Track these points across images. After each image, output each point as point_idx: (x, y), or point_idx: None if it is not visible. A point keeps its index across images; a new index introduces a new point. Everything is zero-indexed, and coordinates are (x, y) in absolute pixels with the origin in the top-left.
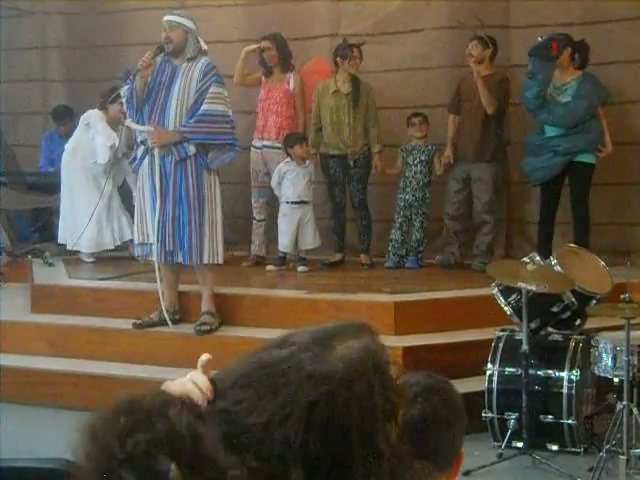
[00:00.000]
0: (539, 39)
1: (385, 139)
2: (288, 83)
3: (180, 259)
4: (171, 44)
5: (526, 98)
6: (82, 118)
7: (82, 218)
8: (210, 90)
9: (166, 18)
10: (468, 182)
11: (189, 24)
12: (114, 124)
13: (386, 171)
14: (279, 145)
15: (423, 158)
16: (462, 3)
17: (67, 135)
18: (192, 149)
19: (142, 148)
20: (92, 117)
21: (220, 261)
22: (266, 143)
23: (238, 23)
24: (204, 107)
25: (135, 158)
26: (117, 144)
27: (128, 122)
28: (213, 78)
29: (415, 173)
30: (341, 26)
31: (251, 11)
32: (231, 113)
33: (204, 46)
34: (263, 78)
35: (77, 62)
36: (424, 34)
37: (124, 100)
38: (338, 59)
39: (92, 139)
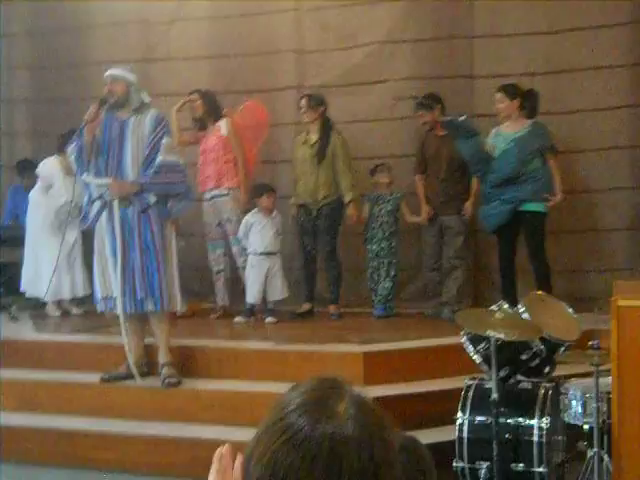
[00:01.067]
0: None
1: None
2: (219, 129)
3: (151, 307)
4: (113, 97)
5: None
6: (38, 169)
7: (43, 266)
8: (163, 141)
9: (108, 72)
10: (441, 233)
11: (130, 77)
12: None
13: (362, 220)
14: (225, 192)
15: (389, 208)
16: (427, 54)
17: (31, 189)
18: (153, 198)
19: (98, 203)
20: (46, 168)
21: (179, 308)
22: (214, 193)
23: (204, 76)
24: (160, 158)
25: (85, 216)
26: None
27: (85, 178)
28: (165, 129)
29: (381, 224)
30: (307, 77)
31: (217, 64)
32: (182, 162)
33: (147, 99)
34: (200, 134)
35: (42, 115)
36: (388, 85)
37: (72, 157)
38: None
39: (49, 189)
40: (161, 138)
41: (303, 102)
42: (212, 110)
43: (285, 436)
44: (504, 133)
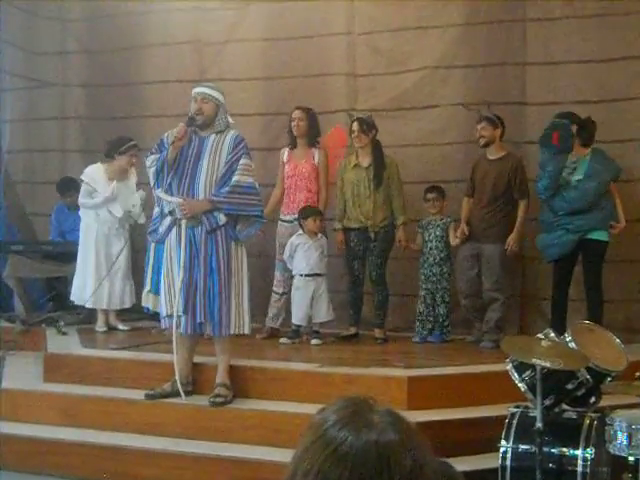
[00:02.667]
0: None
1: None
2: (313, 157)
3: (209, 331)
4: (201, 116)
5: (538, 188)
6: (82, 174)
7: (87, 275)
8: (240, 162)
9: (198, 90)
10: (478, 260)
11: (220, 97)
12: (118, 174)
13: (410, 246)
14: None
15: (438, 233)
16: (478, 80)
17: (75, 207)
18: (223, 218)
19: (169, 219)
20: (89, 173)
21: (247, 331)
22: (296, 217)
23: (257, 97)
24: (235, 178)
25: (155, 230)
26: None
27: (159, 192)
28: (243, 150)
29: (431, 249)
30: (358, 101)
31: (269, 85)
32: (257, 185)
33: (231, 120)
34: (287, 152)
35: (96, 133)
36: (440, 110)
37: (153, 170)
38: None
39: (93, 194)
40: (239, 159)
41: (355, 126)
42: (312, 131)
43: (329, 449)
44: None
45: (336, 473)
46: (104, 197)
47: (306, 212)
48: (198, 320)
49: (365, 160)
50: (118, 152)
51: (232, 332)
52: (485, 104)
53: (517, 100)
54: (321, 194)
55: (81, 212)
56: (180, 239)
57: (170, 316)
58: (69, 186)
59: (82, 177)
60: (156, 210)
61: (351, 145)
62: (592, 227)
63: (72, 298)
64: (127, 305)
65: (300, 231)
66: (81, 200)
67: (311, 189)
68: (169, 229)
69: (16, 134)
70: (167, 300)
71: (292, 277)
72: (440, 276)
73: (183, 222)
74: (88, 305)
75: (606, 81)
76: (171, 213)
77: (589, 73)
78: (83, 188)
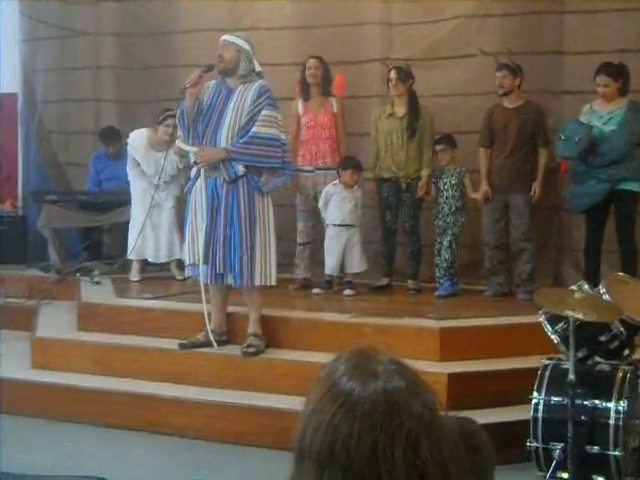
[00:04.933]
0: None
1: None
2: (332, 106)
3: (230, 281)
4: (222, 63)
5: (563, 156)
6: (128, 140)
7: (132, 228)
8: (263, 112)
9: (222, 38)
10: (505, 211)
11: (243, 44)
12: (160, 145)
13: (426, 197)
14: (333, 166)
15: (453, 182)
16: (514, 29)
17: (115, 156)
18: (241, 169)
19: (195, 169)
20: (132, 140)
21: (273, 282)
22: (318, 166)
23: (290, 46)
24: (254, 129)
25: (189, 180)
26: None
27: (178, 142)
28: (267, 101)
29: (447, 198)
30: (393, 50)
31: (303, 34)
32: (284, 137)
33: (258, 67)
34: (300, 103)
35: (129, 83)
36: (475, 59)
37: (177, 120)
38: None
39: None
40: (261, 110)
41: (393, 74)
42: (326, 80)
43: (337, 403)
44: (599, 110)
45: (346, 426)
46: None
47: (346, 163)
48: (218, 270)
49: (400, 110)
50: (158, 122)
51: (257, 283)
52: (507, 52)
53: (554, 49)
54: (341, 143)
55: (131, 176)
56: (202, 188)
57: (193, 265)
58: (112, 135)
59: (128, 145)
60: (171, 171)
61: (386, 94)
62: (624, 177)
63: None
64: (176, 257)
65: (336, 180)
66: (128, 169)
67: (335, 138)
68: (194, 180)
69: (50, 84)
70: (190, 249)
71: (314, 226)
72: (453, 224)
73: (202, 171)
74: (130, 257)
75: None
76: (196, 163)
77: (628, 22)
78: (129, 156)
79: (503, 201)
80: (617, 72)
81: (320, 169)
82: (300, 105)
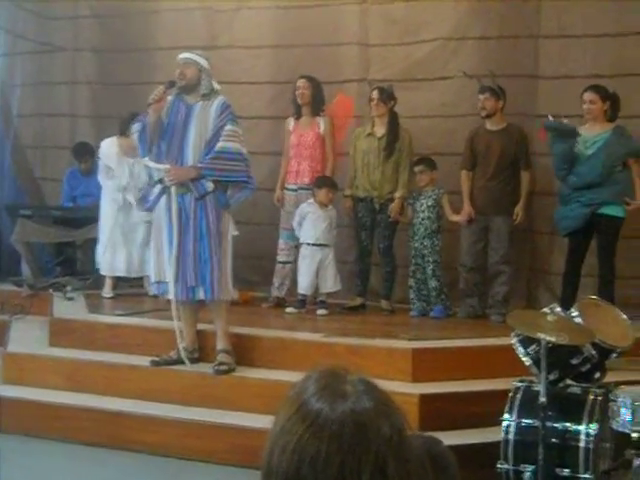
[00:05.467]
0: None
1: (411, 186)
2: (318, 126)
3: (202, 295)
4: (184, 80)
5: (554, 169)
6: (99, 150)
7: (104, 242)
8: (226, 128)
9: (181, 56)
10: (485, 234)
11: (203, 62)
12: (132, 150)
13: (400, 218)
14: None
15: (430, 203)
16: (490, 52)
17: (88, 172)
18: (210, 185)
19: (159, 187)
20: (104, 149)
21: (232, 297)
22: (302, 186)
23: (268, 65)
24: (220, 144)
25: (144, 198)
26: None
27: (146, 161)
28: (229, 116)
29: (422, 219)
30: (370, 71)
31: (280, 53)
32: (245, 151)
33: (217, 86)
34: (292, 121)
35: (106, 99)
36: (452, 82)
37: (135, 136)
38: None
39: (110, 171)
40: (224, 125)
41: (375, 94)
42: (317, 100)
43: (305, 424)
44: (584, 135)
45: (313, 447)
46: (125, 183)
47: (321, 182)
48: (189, 284)
49: (380, 130)
50: (129, 128)
51: (227, 297)
52: (489, 75)
53: (529, 73)
54: (328, 163)
55: (103, 186)
56: (170, 206)
57: (158, 282)
58: (84, 151)
59: (99, 155)
60: (144, 179)
61: (366, 114)
62: (604, 201)
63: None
64: (143, 273)
65: (311, 200)
66: (100, 178)
67: (315, 158)
68: (158, 197)
69: (27, 98)
70: (155, 267)
71: (297, 246)
72: (431, 249)
73: (173, 188)
74: (102, 272)
75: (620, 55)
76: (161, 181)
77: (603, 47)
78: (100, 164)
79: (483, 223)
80: (606, 94)
81: (302, 188)
82: (291, 123)
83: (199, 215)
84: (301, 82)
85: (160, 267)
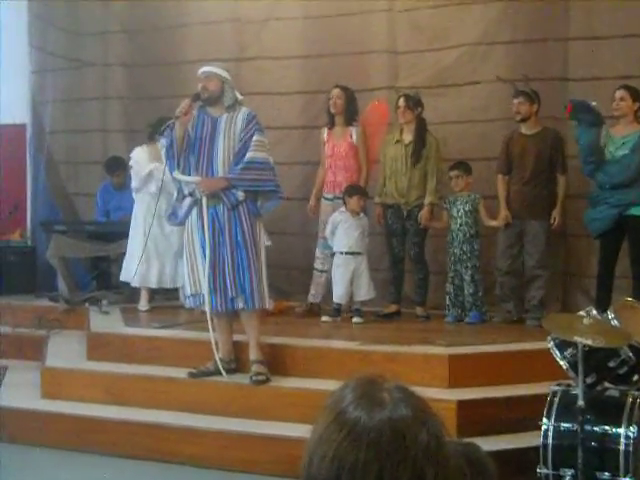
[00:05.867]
0: (591, 103)
1: (443, 191)
2: (351, 136)
3: (241, 305)
4: (207, 92)
5: (581, 163)
6: (132, 158)
7: (134, 252)
8: (254, 138)
9: (202, 69)
10: (520, 238)
11: (224, 74)
12: (160, 156)
13: (432, 224)
14: None
15: (467, 209)
16: (520, 56)
17: (120, 186)
18: (241, 195)
19: (188, 200)
20: (134, 157)
21: (268, 306)
22: (337, 195)
23: (296, 75)
24: (249, 155)
25: (174, 213)
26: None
27: (175, 174)
28: (256, 127)
29: (460, 225)
30: (399, 78)
31: (309, 63)
32: (272, 160)
33: (239, 96)
34: (326, 131)
35: (137, 113)
36: (482, 86)
37: (164, 151)
38: None
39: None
40: (252, 135)
41: (401, 102)
42: (350, 110)
43: (343, 433)
44: (613, 136)
45: (352, 455)
46: (140, 178)
47: (351, 190)
48: (230, 295)
49: (408, 137)
50: (159, 133)
51: (267, 306)
52: (523, 79)
53: (559, 76)
54: (362, 172)
55: (135, 196)
56: (203, 218)
57: (194, 295)
58: (117, 165)
59: (130, 162)
60: (174, 195)
61: (395, 121)
62: (632, 202)
63: (121, 278)
64: (179, 284)
65: (342, 208)
66: (133, 187)
67: (349, 168)
68: (189, 210)
69: (58, 115)
70: (190, 280)
71: (333, 255)
72: (470, 254)
73: (204, 201)
74: (133, 284)
75: None
76: (191, 195)
77: (632, 48)
78: (132, 172)
79: (518, 227)
80: (636, 94)
81: (338, 198)
82: (325, 133)
83: (234, 225)
84: (335, 91)
85: (195, 279)
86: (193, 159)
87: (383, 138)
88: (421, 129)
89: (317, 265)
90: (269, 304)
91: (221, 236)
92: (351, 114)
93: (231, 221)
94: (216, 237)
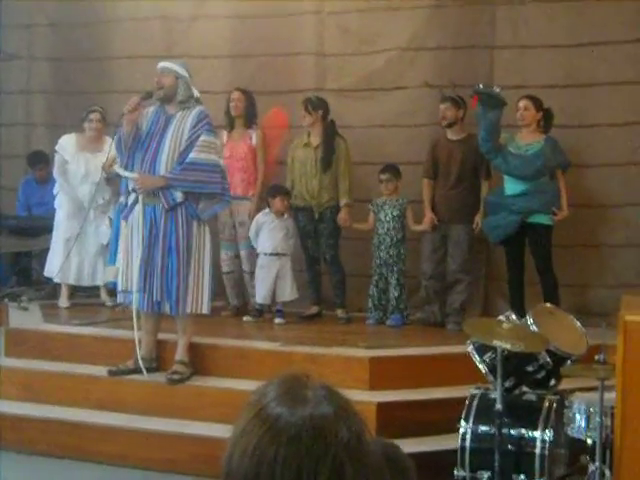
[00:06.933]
0: (496, 89)
1: (365, 195)
2: (250, 139)
3: (167, 309)
4: (160, 89)
5: (480, 141)
6: (57, 145)
7: (56, 246)
8: (201, 138)
9: (159, 64)
10: (444, 242)
11: (181, 71)
12: (88, 143)
13: (354, 226)
14: (248, 197)
15: (395, 213)
16: (446, 62)
17: (43, 181)
18: (180, 196)
19: (133, 196)
20: (61, 144)
21: (205, 311)
22: (234, 196)
23: (224, 75)
24: (192, 155)
25: (125, 205)
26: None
27: (117, 168)
28: (205, 127)
29: (388, 230)
30: (326, 81)
31: (237, 63)
32: (222, 163)
33: (196, 94)
34: (225, 133)
35: (61, 108)
36: (409, 91)
37: (115, 146)
38: None
39: (66, 165)
40: (199, 135)
41: (305, 107)
42: (250, 112)
43: (264, 427)
44: (517, 140)
45: (272, 450)
46: (59, 163)
47: (273, 191)
48: (155, 298)
49: (315, 140)
50: (84, 121)
51: (188, 311)
52: (450, 85)
53: (485, 82)
54: (258, 174)
55: (57, 186)
56: (139, 216)
57: (125, 291)
58: (39, 159)
59: (56, 147)
60: (123, 190)
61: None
62: (534, 210)
63: (45, 273)
64: (98, 282)
65: (267, 210)
66: (56, 173)
67: (246, 170)
68: (132, 206)
69: None
70: (124, 276)
71: (236, 256)
72: (397, 258)
73: (140, 197)
74: (56, 280)
75: (574, 66)
76: (134, 190)
77: (557, 58)
78: (56, 158)
79: (443, 231)
80: (540, 105)
81: (235, 198)
82: (225, 136)
83: (169, 229)
84: (236, 94)
85: (128, 276)
86: (139, 155)
87: (283, 142)
88: (329, 132)
89: (223, 268)
90: (207, 308)
91: (156, 237)
92: (251, 117)
93: (167, 223)
94: (152, 237)
